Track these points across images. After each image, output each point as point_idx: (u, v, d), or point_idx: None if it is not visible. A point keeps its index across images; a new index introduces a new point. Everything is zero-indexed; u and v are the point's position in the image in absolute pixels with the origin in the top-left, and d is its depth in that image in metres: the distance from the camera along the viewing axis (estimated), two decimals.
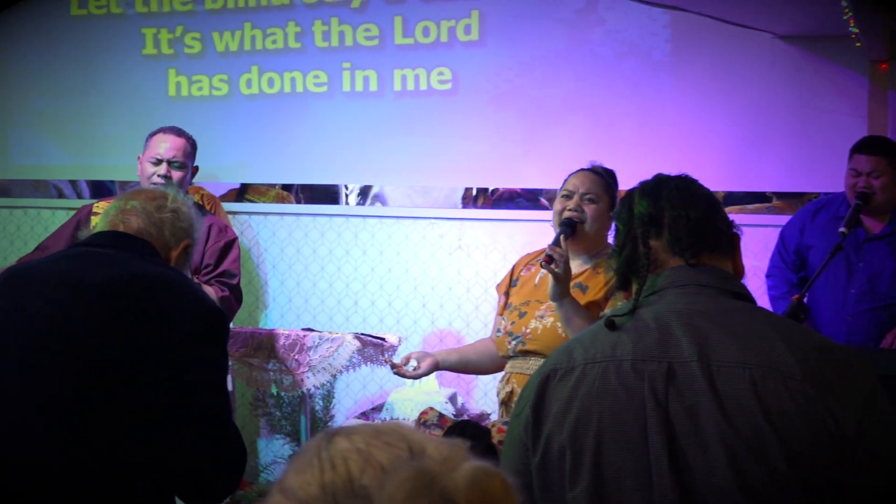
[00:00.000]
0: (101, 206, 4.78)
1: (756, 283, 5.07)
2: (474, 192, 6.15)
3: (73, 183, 6.92)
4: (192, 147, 4.80)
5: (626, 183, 2.34)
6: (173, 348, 2.66)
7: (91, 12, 6.75)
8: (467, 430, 3.39)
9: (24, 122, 6.93)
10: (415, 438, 1.24)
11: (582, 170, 4.02)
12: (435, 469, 1.18)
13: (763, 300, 4.93)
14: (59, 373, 2.62)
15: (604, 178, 3.99)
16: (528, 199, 6.02)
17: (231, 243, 4.83)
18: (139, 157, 4.79)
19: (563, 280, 3.66)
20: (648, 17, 5.70)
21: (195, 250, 3.10)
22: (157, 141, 4.74)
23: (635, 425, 1.99)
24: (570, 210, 3.89)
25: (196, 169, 4.88)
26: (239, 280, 4.87)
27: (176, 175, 4.67)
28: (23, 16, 6.92)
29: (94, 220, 4.68)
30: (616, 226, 2.29)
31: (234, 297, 4.81)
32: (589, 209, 3.89)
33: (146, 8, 6.63)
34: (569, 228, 3.84)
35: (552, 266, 3.64)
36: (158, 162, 4.67)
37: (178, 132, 4.79)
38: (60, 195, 6.88)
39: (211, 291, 4.59)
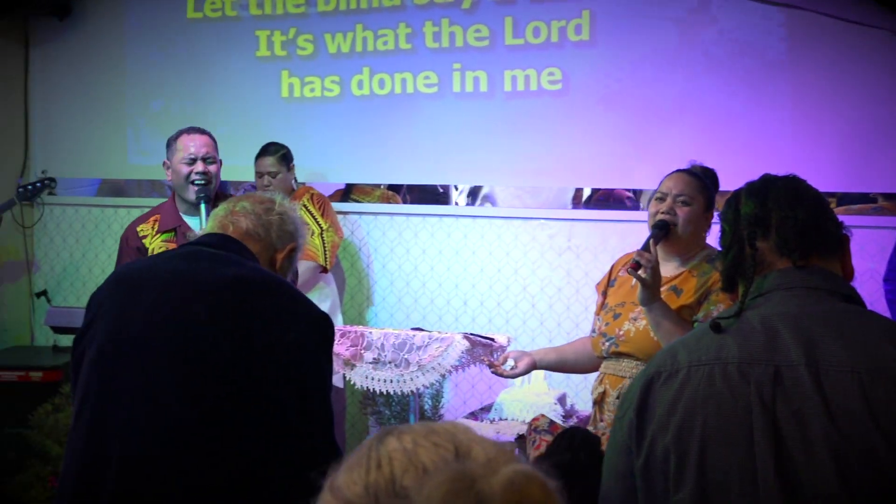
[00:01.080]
0: (144, 229, 4.76)
1: (872, 286, 4.95)
2: (585, 193, 6.11)
3: None
4: (214, 141, 4.79)
5: (738, 183, 2.30)
6: (281, 351, 2.68)
7: (206, 15, 6.87)
8: (576, 437, 3.34)
9: (140, 123, 7.08)
10: (463, 440, 1.23)
11: (677, 171, 3.94)
12: (475, 472, 1.16)
13: (881, 305, 4.81)
14: (173, 369, 2.67)
15: (700, 179, 3.90)
16: (637, 199, 5.97)
17: None
18: (164, 163, 4.76)
19: (650, 286, 3.61)
20: (763, 15, 5.60)
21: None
22: (185, 141, 4.71)
23: (741, 429, 1.97)
24: (662, 213, 3.83)
25: (220, 163, 4.83)
26: None
27: (212, 169, 4.66)
28: (140, 19, 7.07)
29: (146, 241, 4.69)
30: (722, 227, 2.25)
31: None
32: (682, 211, 3.81)
33: (260, 10, 6.73)
34: (661, 231, 3.78)
35: (639, 272, 3.59)
36: (193, 161, 4.64)
37: (201, 130, 4.78)
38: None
39: None
